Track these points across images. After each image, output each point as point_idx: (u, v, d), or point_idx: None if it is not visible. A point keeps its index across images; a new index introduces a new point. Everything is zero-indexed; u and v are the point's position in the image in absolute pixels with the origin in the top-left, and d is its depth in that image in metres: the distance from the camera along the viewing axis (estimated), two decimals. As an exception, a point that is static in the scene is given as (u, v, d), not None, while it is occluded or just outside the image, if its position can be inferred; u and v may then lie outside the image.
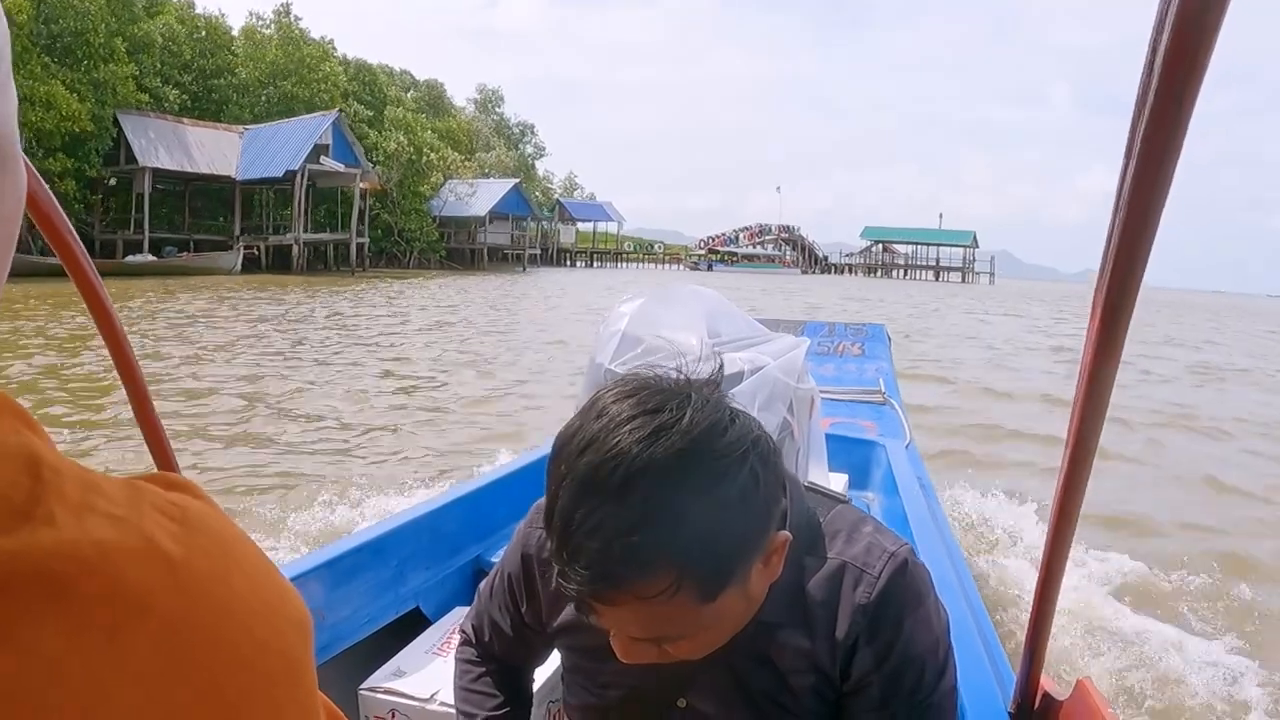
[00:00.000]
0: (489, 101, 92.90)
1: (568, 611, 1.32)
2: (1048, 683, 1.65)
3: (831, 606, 1.19)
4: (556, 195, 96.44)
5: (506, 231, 71.83)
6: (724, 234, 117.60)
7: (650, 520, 0.96)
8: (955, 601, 1.87)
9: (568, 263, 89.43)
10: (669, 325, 2.05)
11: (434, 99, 79.14)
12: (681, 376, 1.07)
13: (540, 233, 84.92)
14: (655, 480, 0.96)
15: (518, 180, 69.39)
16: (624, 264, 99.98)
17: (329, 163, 45.80)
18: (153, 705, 0.39)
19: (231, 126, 48.86)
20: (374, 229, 58.18)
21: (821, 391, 2.67)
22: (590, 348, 2.11)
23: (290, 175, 44.51)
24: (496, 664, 1.52)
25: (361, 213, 51.51)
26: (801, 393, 2.10)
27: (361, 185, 50.89)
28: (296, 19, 57.28)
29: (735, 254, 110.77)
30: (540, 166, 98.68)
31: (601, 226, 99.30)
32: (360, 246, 51.07)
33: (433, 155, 61.70)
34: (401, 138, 59.98)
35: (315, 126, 46.26)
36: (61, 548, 0.38)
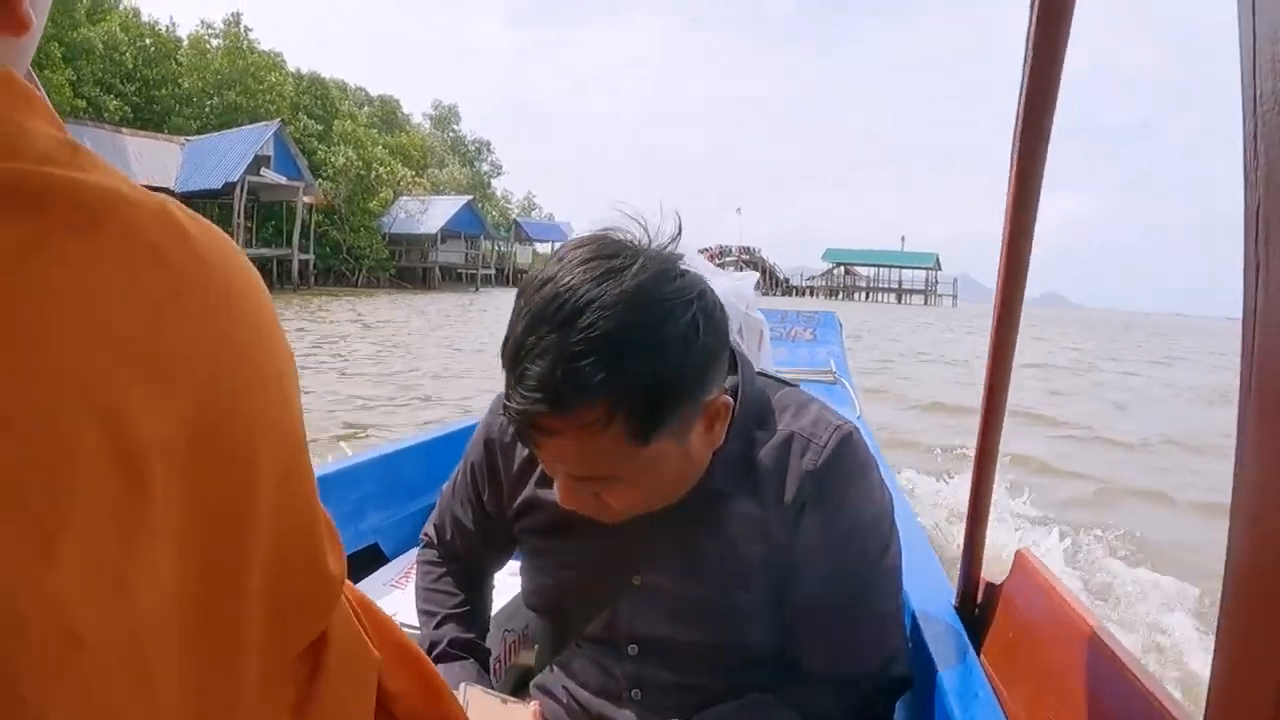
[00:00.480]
0: (445, 118, 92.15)
1: (527, 490, 1.39)
2: (986, 576, 1.84)
3: (780, 473, 1.24)
4: (514, 215, 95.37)
5: (460, 250, 70.74)
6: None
7: (591, 349, 1.02)
8: (906, 526, 1.86)
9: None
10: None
11: (387, 114, 78.20)
12: (642, 236, 1.14)
13: (496, 253, 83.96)
14: (600, 314, 1.03)
15: (470, 197, 68.28)
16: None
17: (270, 175, 44.61)
18: (153, 336, 0.43)
19: (173, 138, 47.58)
20: (322, 246, 56.94)
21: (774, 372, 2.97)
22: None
23: (229, 187, 43.22)
24: (457, 564, 1.56)
25: (306, 228, 50.42)
26: (751, 319, 2.18)
27: (306, 200, 49.73)
28: (247, 29, 56.27)
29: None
30: (498, 186, 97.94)
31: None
32: (304, 263, 49.88)
33: (382, 171, 60.55)
34: (350, 152, 58.88)
35: (256, 137, 45.07)
36: (94, 189, 0.43)
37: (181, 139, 47.48)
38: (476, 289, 67.82)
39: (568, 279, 1.06)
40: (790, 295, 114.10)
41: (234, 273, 0.49)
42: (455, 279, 70.45)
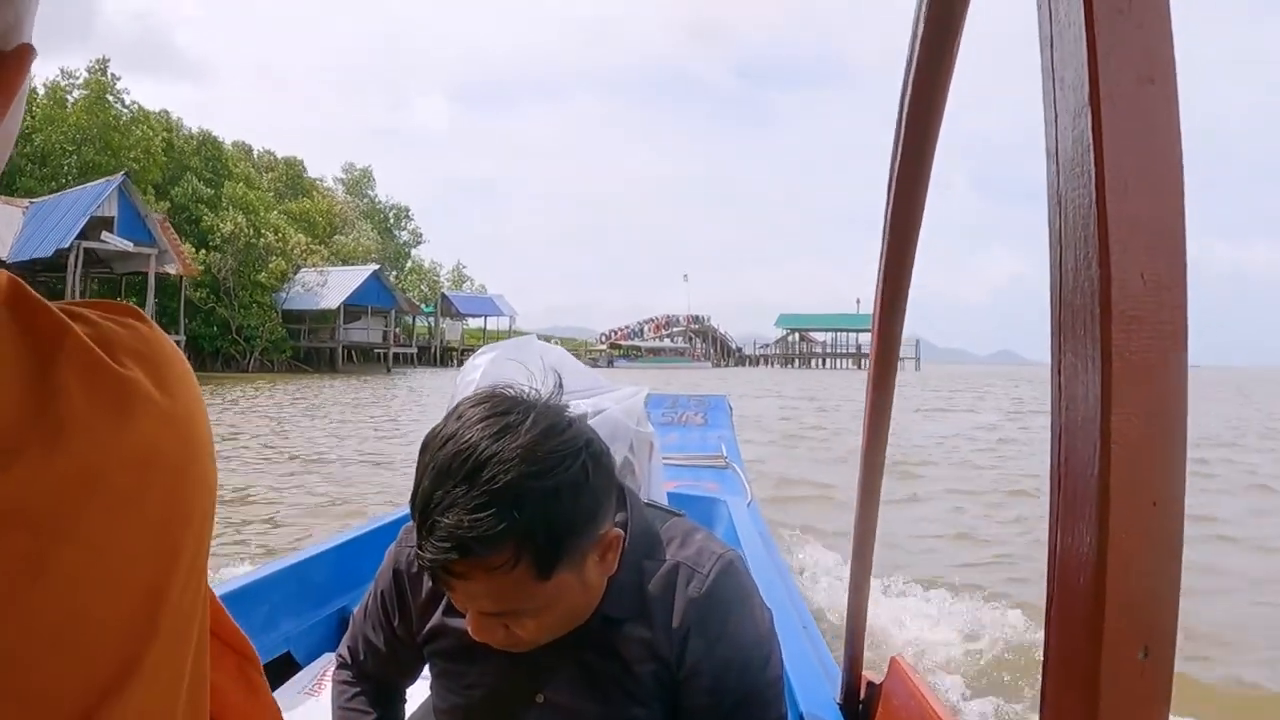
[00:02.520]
0: (358, 182, 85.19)
1: (435, 619, 1.47)
2: (869, 674, 1.97)
3: (668, 601, 1.36)
4: (443, 288, 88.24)
5: (379, 328, 63.60)
6: (627, 326, 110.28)
7: (493, 501, 1.14)
8: (789, 620, 2.05)
9: (454, 362, 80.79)
10: (520, 374, 2.18)
11: (292, 178, 71.22)
12: (530, 390, 1.29)
13: (416, 330, 76.77)
14: (499, 468, 1.15)
15: (377, 267, 61.03)
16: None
17: (113, 240, 37.33)
18: (156, 542, 0.46)
19: (16, 201, 40.30)
20: (208, 325, 49.78)
21: (665, 458, 2.86)
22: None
23: (63, 255, 35.93)
24: (371, 683, 1.63)
25: (190, 305, 43.32)
26: (641, 435, 2.30)
27: (170, 270, 42.48)
28: (115, 77, 49.37)
29: (639, 349, 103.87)
30: (425, 256, 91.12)
31: (492, 323, 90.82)
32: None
33: (273, 238, 53.37)
34: (240, 218, 51.84)
35: (94, 195, 38.16)
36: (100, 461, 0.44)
37: (26, 202, 40.25)
38: (388, 370, 60.46)
39: (468, 436, 1.18)
40: (744, 365, 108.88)
41: None
42: (373, 359, 63.22)
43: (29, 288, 0.47)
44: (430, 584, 1.45)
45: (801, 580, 5.64)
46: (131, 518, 0.45)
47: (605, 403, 2.27)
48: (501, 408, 1.22)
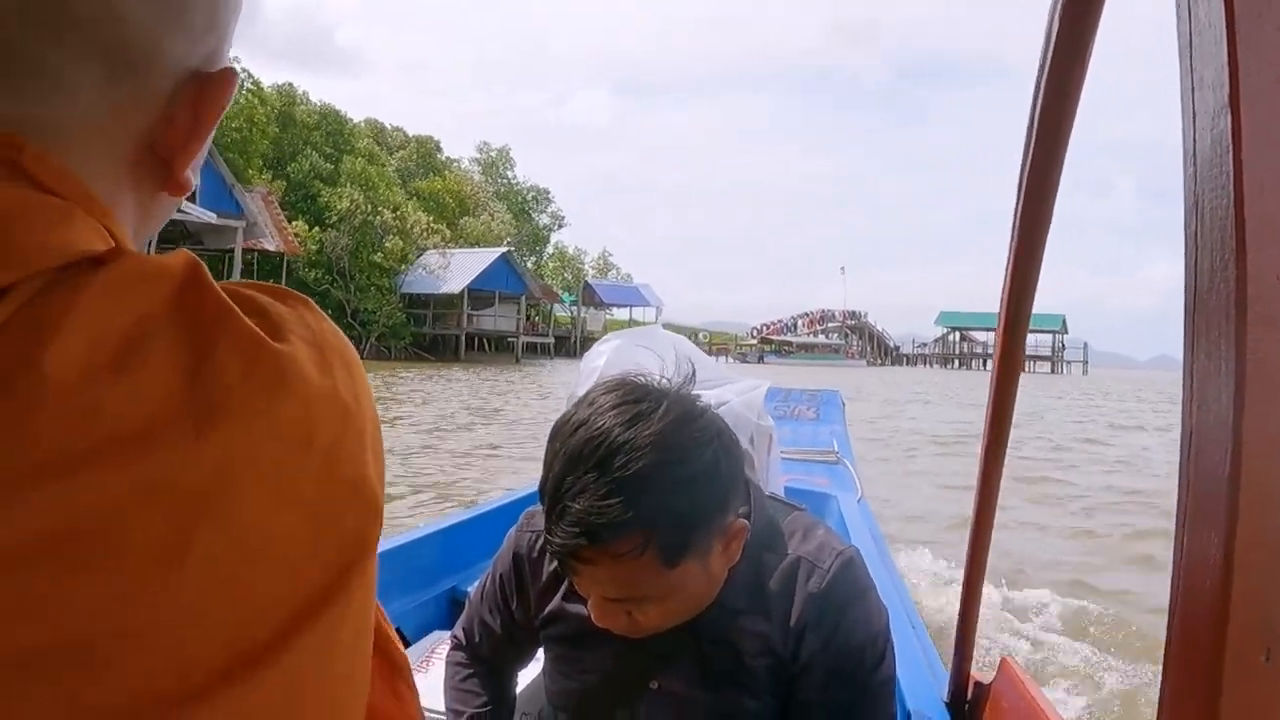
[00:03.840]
0: (494, 163, 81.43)
1: (554, 603, 1.49)
2: (977, 674, 2.00)
3: (787, 595, 1.36)
4: (588, 276, 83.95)
5: (512, 315, 59.51)
6: (780, 320, 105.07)
7: (625, 488, 1.15)
8: (898, 618, 1.99)
9: (594, 352, 75.97)
10: (644, 362, 2.15)
11: (424, 156, 67.79)
12: (662, 379, 1.31)
13: (558, 319, 72.61)
14: (631, 456, 1.16)
15: (506, 250, 56.65)
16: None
17: (194, 210, 33.72)
18: (310, 525, 0.46)
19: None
20: (323, 308, 45.83)
21: (782, 482, 2.81)
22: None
23: (138, 227, 32.46)
24: (484, 665, 1.66)
25: (302, 285, 39.99)
26: (761, 428, 2.27)
27: (268, 246, 39.02)
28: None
29: (791, 344, 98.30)
30: (569, 244, 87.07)
31: (638, 314, 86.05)
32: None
33: (390, 215, 49.61)
34: (357, 194, 48.28)
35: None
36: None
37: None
38: (517, 360, 56.17)
39: (600, 423, 1.19)
40: (900, 364, 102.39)
41: None
42: (503, 348, 59.19)
43: (205, 271, 0.48)
44: (550, 568, 1.49)
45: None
46: (284, 498, 0.45)
47: (727, 394, 2.16)
48: (634, 395, 1.23)
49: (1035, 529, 8.82)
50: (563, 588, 1.47)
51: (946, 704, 1.98)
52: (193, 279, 0.47)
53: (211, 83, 0.55)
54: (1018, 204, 1.33)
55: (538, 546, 1.48)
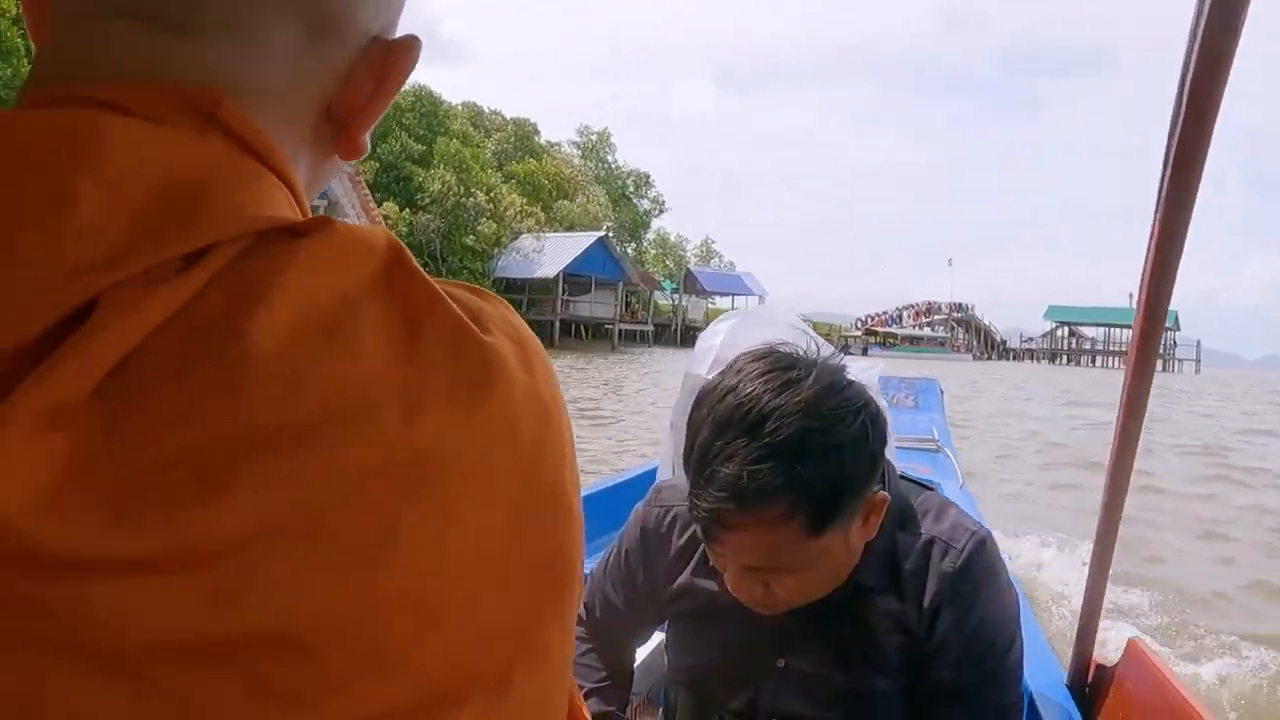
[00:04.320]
0: (594, 147, 79.43)
1: (682, 578, 1.50)
2: (1098, 658, 1.99)
3: (920, 575, 1.36)
4: (690, 264, 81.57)
5: (610, 302, 57.63)
6: (885, 312, 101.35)
7: (775, 453, 1.16)
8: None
9: (694, 343, 73.46)
10: (761, 341, 2.23)
11: (521, 138, 66.15)
12: (809, 348, 1.30)
13: (659, 307, 70.44)
14: (781, 422, 1.17)
15: (602, 234, 54.68)
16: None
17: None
18: (512, 522, 0.45)
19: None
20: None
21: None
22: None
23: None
24: (602, 640, 1.65)
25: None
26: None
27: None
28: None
29: (896, 336, 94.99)
30: (671, 231, 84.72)
31: (740, 302, 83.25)
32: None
33: (483, 197, 48.04)
34: (449, 176, 46.88)
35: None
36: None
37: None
38: (613, 348, 54.20)
39: (749, 389, 1.20)
40: (1006, 359, 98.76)
41: None
42: (602, 335, 57.34)
43: (408, 252, 0.47)
44: (679, 542, 1.50)
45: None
46: (488, 493, 0.44)
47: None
48: (783, 363, 1.24)
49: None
50: (692, 562, 1.48)
51: (1067, 686, 1.96)
52: (397, 258, 0.45)
53: (396, 49, 0.55)
54: (1162, 186, 1.28)
55: (666, 521, 1.50)
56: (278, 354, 0.39)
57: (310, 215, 0.47)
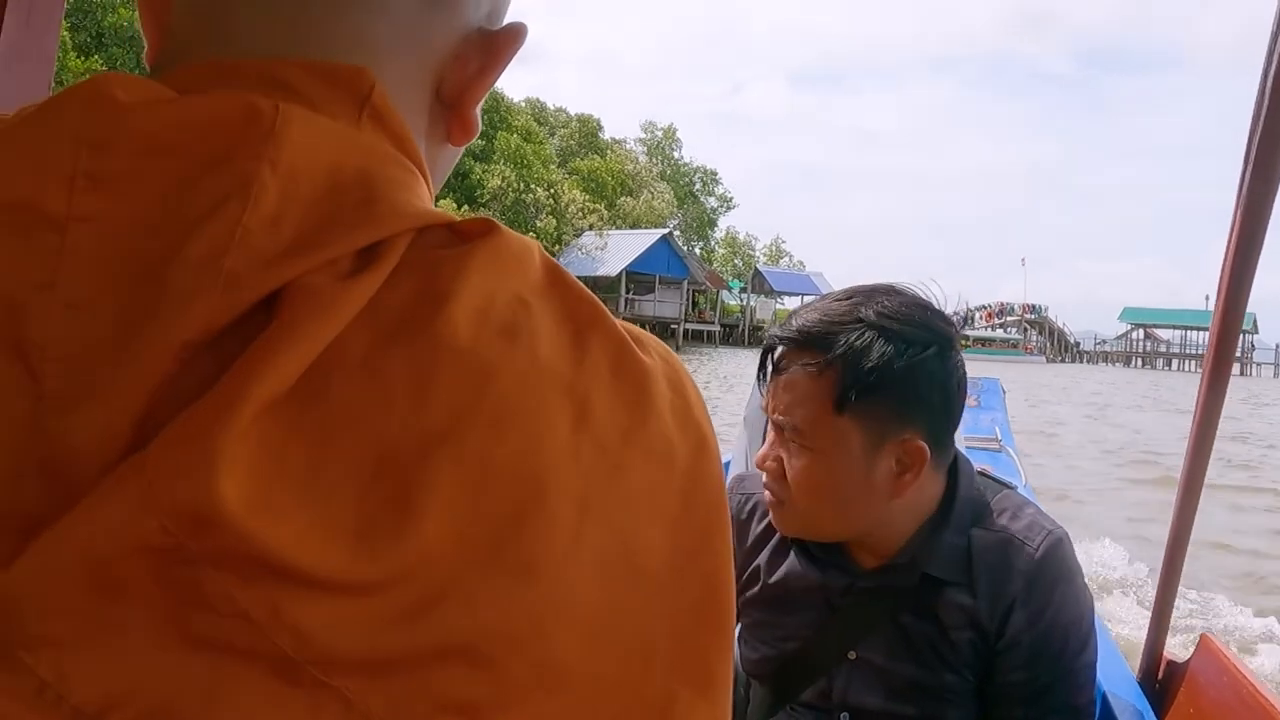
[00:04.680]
0: (660, 143, 77.77)
1: (758, 561, 1.51)
2: (1170, 654, 2.00)
3: (995, 571, 1.35)
4: (759, 263, 79.93)
5: (674, 300, 56.30)
6: (956, 313, 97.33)
7: (851, 315, 1.27)
8: None
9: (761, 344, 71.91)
10: None
11: (585, 135, 65.05)
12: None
13: (726, 307, 68.89)
14: (874, 306, 1.27)
15: (666, 231, 53.36)
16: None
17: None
18: (672, 541, 0.44)
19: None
20: (474, 292, 44.32)
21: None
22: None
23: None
24: None
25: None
26: None
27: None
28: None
29: (967, 337, 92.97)
30: (740, 229, 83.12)
31: (809, 302, 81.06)
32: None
33: (542, 193, 46.96)
34: (508, 172, 45.91)
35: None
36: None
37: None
38: (678, 348, 52.80)
39: (847, 289, 1.34)
40: (1080, 362, 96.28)
41: None
42: (668, 336, 55.99)
43: (561, 266, 0.47)
44: (757, 531, 1.52)
45: None
46: (648, 509, 0.44)
47: None
48: (909, 298, 1.34)
49: None
50: (766, 550, 1.49)
51: (1138, 681, 1.97)
52: (554, 266, 0.46)
53: (504, 32, 0.55)
54: (1242, 185, 1.29)
55: (747, 508, 1.53)
56: (468, 349, 0.40)
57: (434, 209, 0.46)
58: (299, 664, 0.35)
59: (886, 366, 1.23)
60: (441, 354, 0.39)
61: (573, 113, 66.67)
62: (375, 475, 0.37)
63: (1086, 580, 1.43)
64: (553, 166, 52.46)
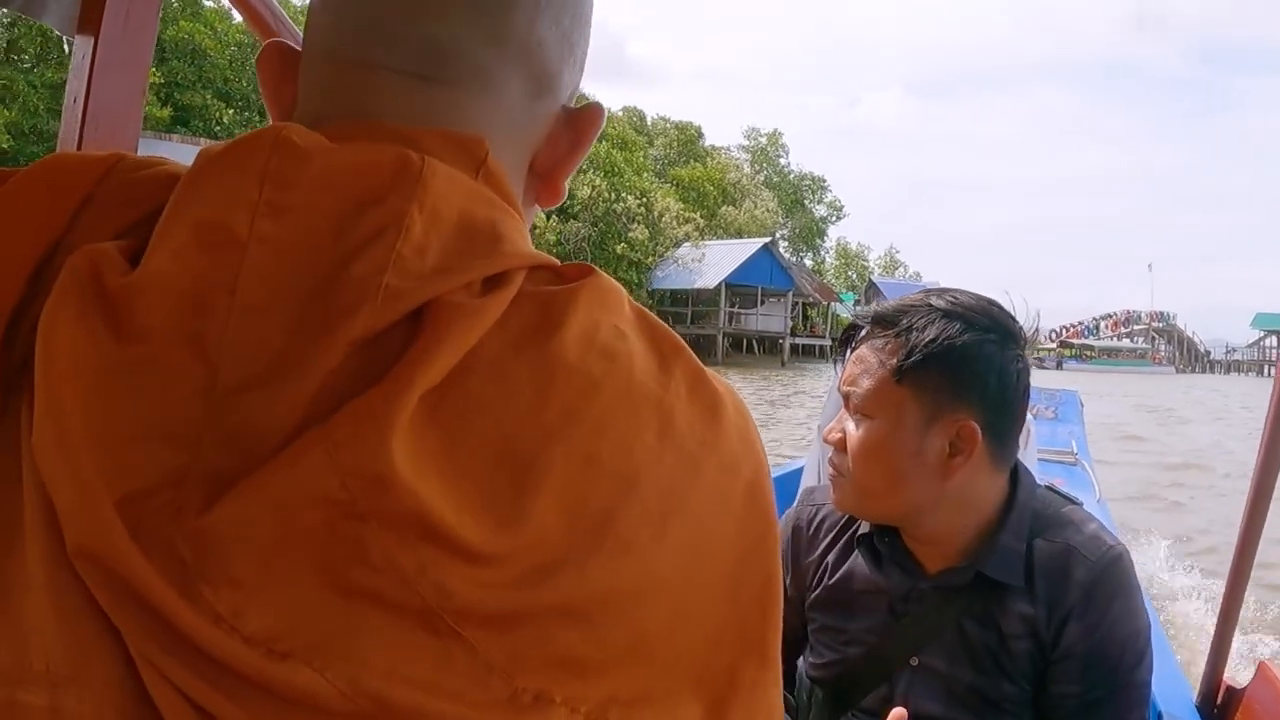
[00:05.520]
0: (764, 151, 74.36)
1: (825, 563, 1.55)
2: (1229, 680, 2.00)
3: (1055, 582, 1.37)
4: (873, 275, 76.06)
5: (780, 314, 53.18)
6: (1081, 323, 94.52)
7: (926, 303, 1.35)
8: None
9: (880, 357, 67.96)
10: None
11: (685, 143, 62.39)
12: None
13: (839, 319, 65.22)
14: (941, 295, 1.37)
15: (768, 240, 50.17)
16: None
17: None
18: (738, 544, 0.51)
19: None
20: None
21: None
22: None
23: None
24: None
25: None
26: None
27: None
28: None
29: (1092, 348, 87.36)
30: (852, 240, 79.29)
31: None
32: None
33: (634, 202, 44.41)
34: (599, 181, 43.56)
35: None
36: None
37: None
38: (783, 364, 49.51)
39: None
40: (1210, 372, 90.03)
41: None
42: (776, 350, 52.87)
43: (644, 309, 0.55)
44: (825, 540, 1.56)
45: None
46: (721, 506, 0.51)
47: None
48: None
49: None
50: (836, 549, 1.53)
51: (1196, 706, 1.96)
52: (639, 306, 0.55)
53: (589, 110, 0.65)
54: None
55: (815, 520, 1.57)
56: (578, 365, 0.47)
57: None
58: (438, 615, 0.42)
59: (946, 340, 1.30)
60: (557, 367, 0.47)
61: (672, 120, 64.26)
62: (498, 460, 0.44)
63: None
64: (646, 174, 49.93)
